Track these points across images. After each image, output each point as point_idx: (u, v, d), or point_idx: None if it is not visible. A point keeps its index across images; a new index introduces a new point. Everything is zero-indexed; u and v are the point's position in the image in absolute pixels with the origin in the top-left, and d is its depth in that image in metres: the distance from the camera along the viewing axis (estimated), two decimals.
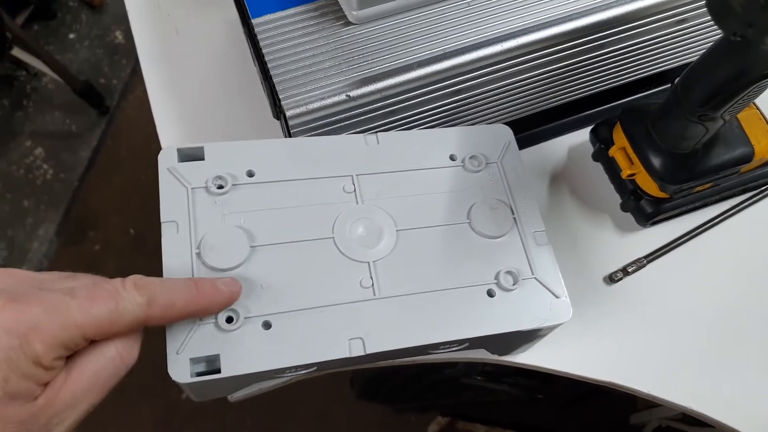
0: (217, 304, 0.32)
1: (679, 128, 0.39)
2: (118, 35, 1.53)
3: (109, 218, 1.33)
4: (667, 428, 0.67)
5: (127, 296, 0.27)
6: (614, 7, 0.41)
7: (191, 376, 0.31)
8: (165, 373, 0.31)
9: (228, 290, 0.32)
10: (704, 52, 0.36)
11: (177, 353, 0.32)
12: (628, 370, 0.42)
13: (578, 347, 0.43)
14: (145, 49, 0.52)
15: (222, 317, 0.33)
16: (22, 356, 0.24)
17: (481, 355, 0.41)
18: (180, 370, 0.31)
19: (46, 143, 1.41)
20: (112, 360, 0.28)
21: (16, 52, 1.30)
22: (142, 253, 1.29)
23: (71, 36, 1.52)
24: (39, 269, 1.32)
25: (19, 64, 1.38)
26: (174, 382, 0.31)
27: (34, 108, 1.44)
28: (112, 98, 1.45)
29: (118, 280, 0.28)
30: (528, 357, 0.42)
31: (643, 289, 0.44)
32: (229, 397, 0.41)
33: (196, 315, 0.31)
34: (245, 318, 0.33)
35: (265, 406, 1.21)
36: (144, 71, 0.51)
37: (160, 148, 0.37)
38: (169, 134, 0.49)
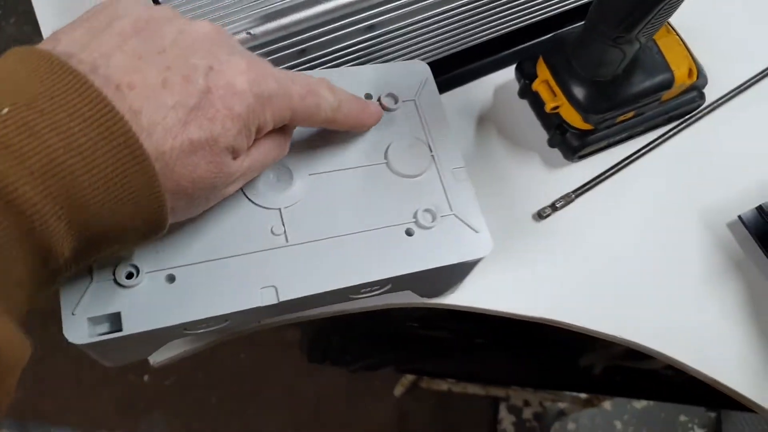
0: (371, 122, 0.36)
1: (597, 53, 0.38)
2: None
3: None
4: (616, 367, 0.68)
5: (326, 96, 0.31)
6: None
7: (90, 337, 0.29)
8: None
9: (378, 112, 0.36)
10: None
11: (72, 313, 0.30)
12: (560, 304, 0.42)
13: (508, 285, 0.42)
14: None
15: (121, 273, 0.31)
16: (256, 118, 0.27)
17: (409, 300, 0.41)
18: (77, 331, 0.29)
19: None
20: (279, 147, 0.31)
21: None
22: None
23: None
24: None
25: None
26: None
27: None
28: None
29: (313, 79, 0.31)
30: (457, 298, 0.41)
31: (572, 223, 0.44)
32: (150, 362, 0.40)
33: (358, 129, 0.36)
34: (146, 273, 0.31)
35: (229, 385, 1.20)
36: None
37: None
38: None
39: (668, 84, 0.41)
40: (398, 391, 1.19)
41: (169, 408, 1.19)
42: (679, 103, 0.45)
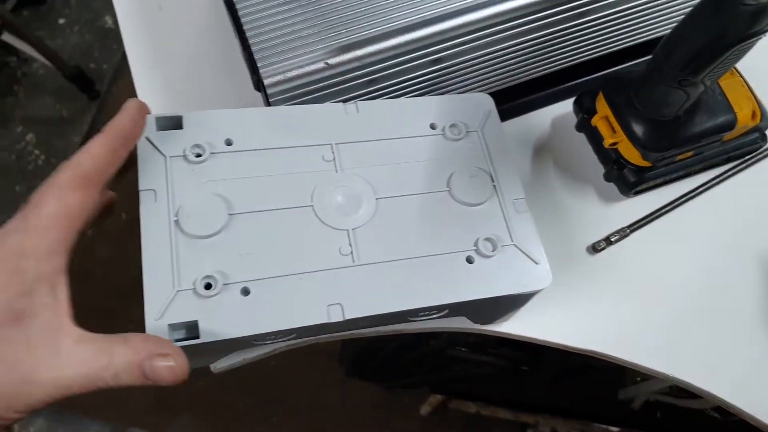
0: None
1: (661, 94, 0.39)
2: (108, 20, 1.52)
3: None
4: (656, 402, 0.68)
5: None
6: None
7: (170, 340, 0.31)
8: None
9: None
10: (684, 16, 0.36)
11: (155, 320, 0.32)
12: (611, 338, 0.42)
13: (561, 316, 0.43)
14: (129, 27, 0.51)
15: (200, 284, 0.33)
16: None
17: (463, 324, 0.42)
18: (159, 334, 0.31)
19: (37, 129, 1.40)
20: None
21: (6, 37, 1.29)
22: (136, 237, 1.28)
23: (61, 21, 1.51)
24: None
25: (9, 49, 1.37)
26: None
27: (25, 93, 1.43)
28: (103, 83, 1.44)
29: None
30: (510, 326, 0.42)
31: (626, 258, 0.44)
32: (211, 368, 0.42)
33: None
34: (224, 285, 0.33)
35: (258, 391, 1.21)
36: (127, 48, 0.51)
37: None
38: (153, 109, 0.49)
39: (730, 125, 0.42)
40: (425, 410, 1.19)
41: (199, 410, 1.21)
42: (740, 143, 0.45)
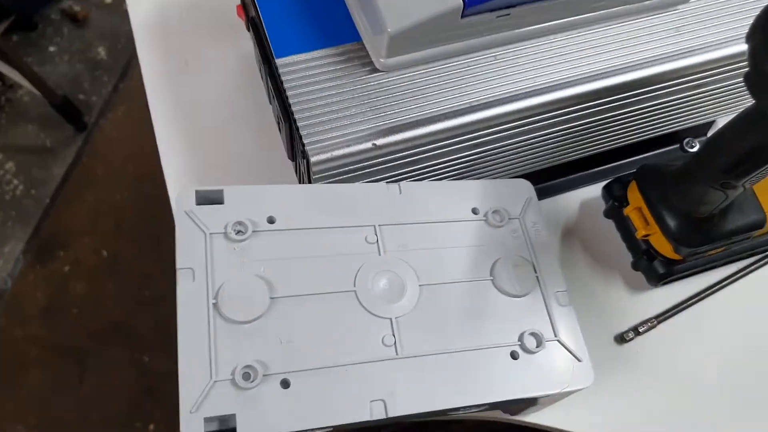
0: None
1: (700, 193, 0.40)
2: (101, 51, 1.50)
3: (80, 238, 1.29)
4: None
5: None
6: (634, 70, 0.42)
7: None
8: None
9: None
10: (731, 121, 0.36)
11: (191, 412, 0.30)
12: (634, 429, 0.42)
13: (588, 407, 0.42)
14: (153, 80, 0.50)
15: (239, 374, 0.31)
16: None
17: (495, 414, 0.40)
18: (194, 429, 0.29)
19: (17, 158, 1.36)
20: None
21: None
22: (113, 276, 1.24)
23: (51, 49, 1.48)
24: (2, 289, 1.26)
25: None
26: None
27: (8, 120, 1.39)
28: (90, 115, 1.41)
29: None
30: (537, 417, 0.41)
31: (654, 349, 0.44)
32: None
33: None
34: (264, 375, 0.31)
35: None
36: (150, 103, 0.49)
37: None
38: (174, 169, 0.47)
39: (761, 225, 0.42)
40: None
41: None
42: (767, 240, 0.46)
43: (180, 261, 0.33)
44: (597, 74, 0.41)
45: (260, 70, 0.44)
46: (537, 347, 0.35)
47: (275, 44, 0.39)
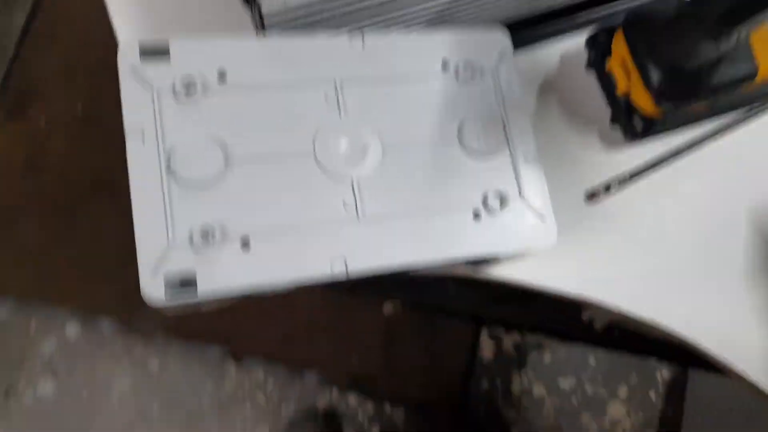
0: None
1: (690, 43, 0.37)
2: None
3: (53, 92, 1.24)
4: (616, 323, 0.71)
5: None
6: None
7: (166, 298, 0.30)
8: None
9: None
10: None
11: (150, 276, 0.30)
12: (597, 283, 0.43)
13: (551, 261, 0.42)
14: None
15: (197, 233, 0.31)
16: None
17: (458, 270, 0.41)
18: (154, 291, 0.30)
19: None
20: None
21: None
22: (94, 133, 1.21)
23: None
24: None
25: None
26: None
27: None
28: None
29: None
30: (499, 270, 0.42)
31: (622, 207, 0.44)
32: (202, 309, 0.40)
33: None
34: (222, 234, 0.31)
35: None
36: None
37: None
38: (124, 19, 0.43)
39: (750, 77, 0.40)
40: (387, 310, 1.23)
41: None
42: (752, 96, 0.44)
43: (127, 121, 0.32)
44: None
45: None
46: (501, 206, 0.35)
47: None
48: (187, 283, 0.30)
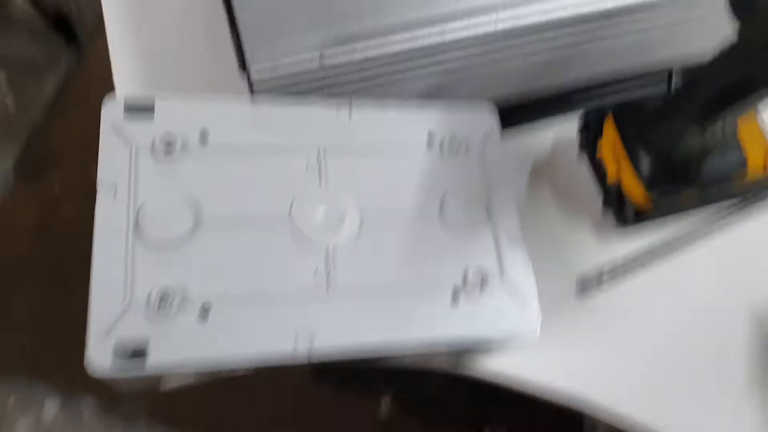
0: None
1: (677, 130, 0.36)
2: None
3: (71, 158, 1.27)
4: None
5: None
6: None
7: (112, 367, 0.28)
8: None
9: None
10: (714, 51, 0.33)
11: (100, 338, 0.28)
12: (589, 384, 0.40)
13: (537, 356, 0.40)
14: None
15: (155, 297, 0.29)
16: None
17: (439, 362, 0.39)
18: (101, 358, 0.28)
19: (9, 72, 1.33)
20: None
21: None
22: None
23: None
24: None
25: None
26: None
27: (1, 31, 1.35)
28: (83, 30, 1.36)
29: None
30: (481, 363, 0.39)
31: (615, 300, 0.42)
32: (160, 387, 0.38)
33: None
34: (182, 299, 0.30)
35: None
36: (104, 8, 0.46)
37: None
38: (126, 80, 0.45)
39: (739, 166, 0.39)
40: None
41: None
42: (748, 193, 0.43)
43: (102, 175, 0.31)
44: None
45: None
46: (480, 286, 0.34)
47: None
48: (138, 353, 0.28)
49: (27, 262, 1.20)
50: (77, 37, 1.34)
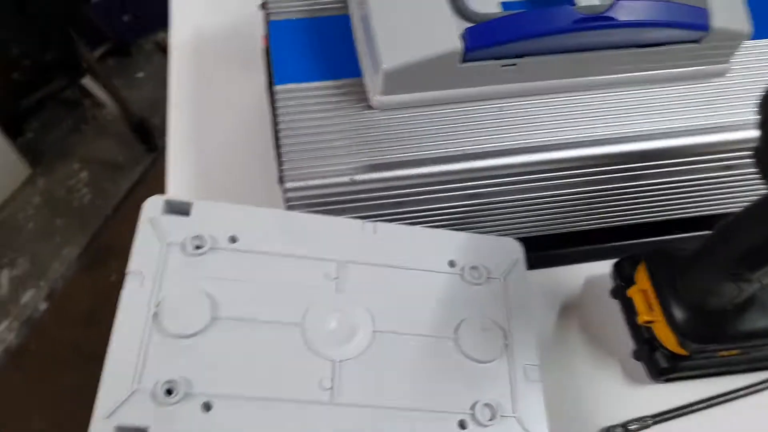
0: None
1: (709, 282, 0.35)
2: None
3: (129, 250, 1.34)
4: None
5: None
6: (656, 139, 0.39)
7: None
8: None
9: None
10: (749, 205, 0.33)
11: (104, 417, 0.28)
12: None
13: None
14: (176, 97, 0.52)
15: (161, 387, 0.29)
16: None
17: None
18: None
19: (92, 169, 1.45)
20: None
21: (87, 81, 1.37)
22: None
23: (139, 75, 1.59)
24: (53, 288, 1.32)
25: (86, 92, 1.45)
26: None
27: (90, 135, 1.50)
28: (163, 138, 1.49)
29: None
30: None
31: None
32: None
33: None
34: (186, 393, 0.30)
35: None
36: (168, 115, 0.51)
37: None
38: (179, 184, 0.48)
39: None
40: None
41: None
42: None
43: (132, 264, 0.33)
44: (611, 138, 0.38)
45: (267, 99, 0.44)
46: (490, 420, 0.32)
47: (278, 71, 0.39)
48: None
49: (74, 346, 1.23)
50: (155, 141, 1.46)
